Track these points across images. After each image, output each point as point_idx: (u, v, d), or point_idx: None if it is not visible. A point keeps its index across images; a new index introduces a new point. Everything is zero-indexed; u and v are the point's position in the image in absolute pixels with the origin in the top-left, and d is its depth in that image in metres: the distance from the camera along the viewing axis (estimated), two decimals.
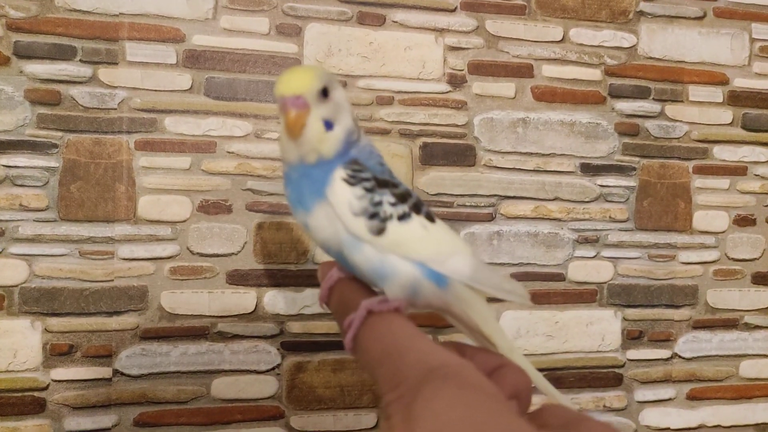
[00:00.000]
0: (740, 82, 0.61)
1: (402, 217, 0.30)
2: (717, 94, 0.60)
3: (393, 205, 0.30)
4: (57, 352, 0.48)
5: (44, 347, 0.48)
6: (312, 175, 0.30)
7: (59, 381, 0.48)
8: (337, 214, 0.29)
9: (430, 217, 0.32)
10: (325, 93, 0.29)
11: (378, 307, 0.28)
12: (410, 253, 0.30)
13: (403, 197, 0.31)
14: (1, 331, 0.47)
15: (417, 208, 0.31)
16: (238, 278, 0.51)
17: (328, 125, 0.30)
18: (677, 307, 0.60)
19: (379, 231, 0.29)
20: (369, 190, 0.29)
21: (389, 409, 0.23)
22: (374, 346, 0.27)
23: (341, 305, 0.31)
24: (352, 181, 0.29)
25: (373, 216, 0.29)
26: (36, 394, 0.48)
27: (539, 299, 0.57)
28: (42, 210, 0.48)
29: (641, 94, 0.59)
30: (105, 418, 0.49)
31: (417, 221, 0.30)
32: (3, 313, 0.48)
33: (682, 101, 0.60)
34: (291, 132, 0.29)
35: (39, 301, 0.48)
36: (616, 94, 0.58)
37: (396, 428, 0.22)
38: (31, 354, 0.48)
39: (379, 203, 0.29)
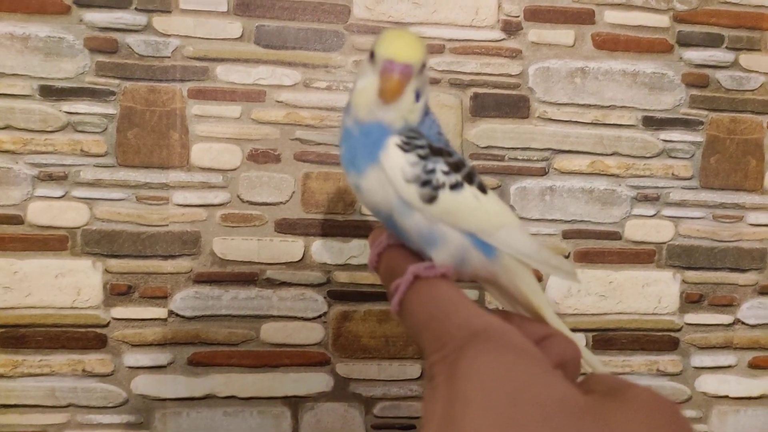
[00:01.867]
0: None
1: (454, 187, 0.29)
2: None
3: (446, 173, 0.29)
4: (116, 292, 0.51)
5: (105, 287, 0.51)
6: (369, 135, 0.30)
7: (119, 319, 0.51)
8: (389, 179, 0.29)
9: (482, 188, 0.31)
10: (423, 66, 0.30)
11: (425, 272, 0.28)
12: (460, 223, 0.29)
13: (456, 166, 0.30)
14: (65, 270, 0.50)
15: (470, 178, 0.31)
16: (286, 227, 0.52)
17: (417, 96, 0.30)
18: (743, 271, 0.57)
19: (431, 199, 0.29)
20: (423, 158, 0.29)
21: (433, 369, 0.24)
22: (420, 309, 0.27)
23: (389, 270, 0.31)
24: (406, 147, 0.29)
25: (425, 183, 0.29)
26: (98, 330, 0.51)
27: (593, 258, 0.55)
28: (101, 156, 0.50)
29: (713, 42, 0.55)
30: (161, 356, 0.52)
31: (469, 191, 0.30)
32: (67, 253, 0.50)
33: (759, 50, 0.55)
34: (388, 96, 0.28)
35: (99, 243, 0.50)
36: (685, 42, 0.55)
37: (439, 387, 0.22)
38: (93, 293, 0.51)
39: (432, 171, 0.29)
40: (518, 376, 0.21)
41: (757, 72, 0.55)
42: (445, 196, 0.29)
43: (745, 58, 0.55)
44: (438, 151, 0.30)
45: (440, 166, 0.29)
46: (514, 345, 0.23)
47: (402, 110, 0.29)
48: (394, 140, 0.29)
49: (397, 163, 0.29)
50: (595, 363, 0.32)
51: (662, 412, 0.20)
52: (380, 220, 0.32)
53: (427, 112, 0.31)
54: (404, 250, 0.32)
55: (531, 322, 0.29)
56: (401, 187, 0.29)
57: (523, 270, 0.31)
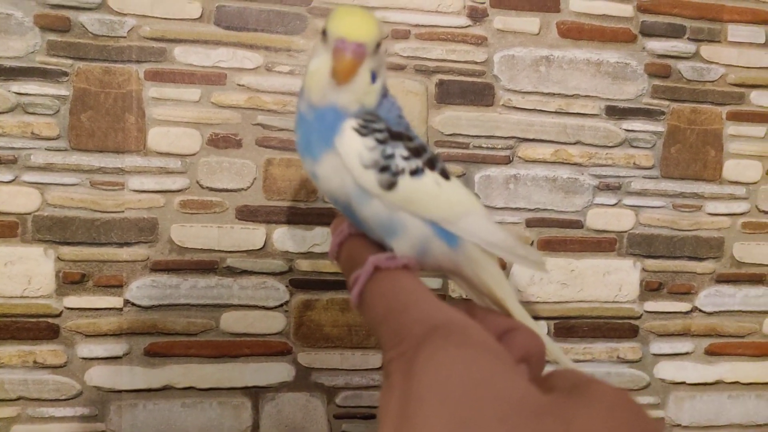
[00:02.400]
0: None
1: (414, 173, 0.29)
2: (759, 34, 0.56)
3: (406, 159, 0.28)
4: (69, 281, 0.49)
5: (57, 275, 0.49)
6: (322, 120, 0.29)
7: (72, 309, 0.49)
8: (346, 165, 0.28)
9: (445, 174, 0.30)
10: (378, 46, 0.29)
11: (385, 263, 0.27)
12: (421, 210, 0.29)
13: (417, 151, 0.29)
14: (15, 258, 0.48)
15: (431, 163, 0.30)
16: (247, 214, 0.51)
17: (373, 77, 0.29)
18: (700, 259, 0.58)
19: (390, 185, 0.28)
20: (381, 142, 0.28)
21: (390, 366, 0.23)
22: (379, 302, 0.26)
23: (349, 261, 0.30)
24: (364, 131, 0.28)
25: (383, 169, 0.28)
26: (50, 320, 0.49)
27: (555, 246, 0.55)
28: (53, 139, 0.48)
29: (675, 32, 0.55)
30: (116, 346, 0.50)
31: (430, 177, 0.29)
32: (17, 240, 0.48)
33: (719, 41, 0.56)
34: (341, 76, 0.27)
35: (51, 230, 0.49)
36: (648, 32, 0.55)
37: (395, 386, 0.22)
38: (45, 281, 0.49)
39: (391, 156, 0.28)
40: (476, 373, 0.20)
41: (717, 63, 0.56)
42: (404, 182, 0.28)
43: (706, 50, 0.56)
44: (398, 135, 0.29)
45: (400, 150, 0.28)
46: (473, 341, 0.22)
47: (357, 92, 0.28)
48: (351, 123, 0.28)
49: (353, 148, 0.28)
50: (560, 356, 0.31)
51: (624, 411, 0.20)
52: (339, 209, 0.31)
53: (385, 94, 0.30)
54: (365, 239, 0.31)
55: (495, 315, 0.29)
56: (358, 173, 0.28)
57: (487, 260, 0.31)
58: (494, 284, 0.31)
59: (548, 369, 0.25)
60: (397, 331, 0.24)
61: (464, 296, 0.54)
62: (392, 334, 0.24)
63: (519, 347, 0.26)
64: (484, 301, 0.33)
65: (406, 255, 0.28)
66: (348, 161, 0.28)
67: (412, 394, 0.20)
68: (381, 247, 0.30)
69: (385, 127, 0.29)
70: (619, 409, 0.20)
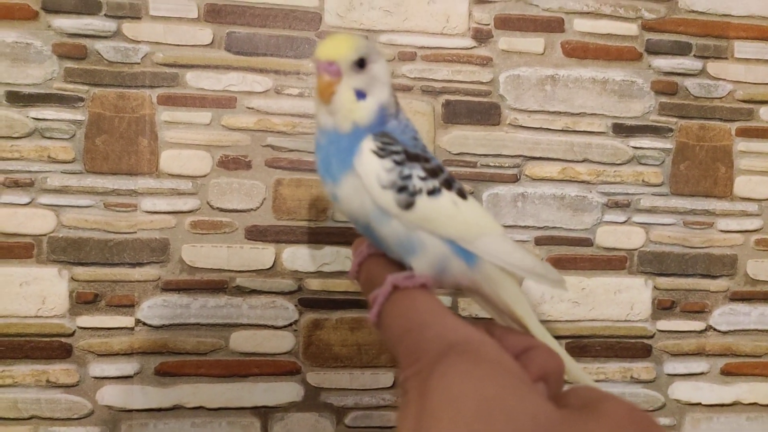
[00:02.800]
0: None
1: (432, 192, 0.29)
2: (766, 50, 0.56)
3: (423, 179, 0.29)
4: (82, 301, 0.50)
5: (70, 295, 0.50)
6: (341, 143, 0.30)
7: (84, 328, 0.50)
8: (365, 186, 0.29)
9: (462, 194, 0.31)
10: (361, 64, 0.30)
11: (404, 282, 0.28)
12: (439, 229, 0.29)
13: (434, 172, 0.30)
14: (30, 278, 0.49)
15: (448, 183, 0.30)
16: (256, 234, 0.52)
17: (360, 95, 0.30)
18: (714, 277, 0.57)
19: (408, 205, 0.29)
20: (398, 163, 0.29)
21: (406, 384, 0.23)
22: (397, 321, 0.27)
23: (369, 280, 0.31)
24: (382, 153, 0.29)
25: (401, 189, 0.29)
26: (63, 339, 0.50)
27: (565, 264, 0.55)
28: (69, 162, 0.50)
29: (681, 50, 0.56)
30: (128, 365, 0.51)
31: (447, 197, 0.30)
32: (32, 260, 0.49)
33: (726, 58, 0.56)
34: (319, 95, 0.29)
35: (66, 251, 0.50)
36: (654, 50, 0.55)
37: (411, 404, 0.22)
38: (59, 301, 0.50)
39: (409, 177, 0.29)
40: (489, 390, 0.20)
41: (724, 80, 0.56)
42: (422, 202, 0.29)
43: (713, 66, 0.56)
44: (415, 156, 0.30)
45: (417, 171, 0.29)
46: (488, 358, 0.22)
47: (341, 110, 0.29)
48: (369, 146, 0.29)
49: (372, 169, 0.28)
50: (580, 374, 0.31)
51: (637, 426, 0.20)
52: (359, 229, 0.31)
53: (394, 115, 0.31)
54: (385, 259, 0.31)
55: (513, 334, 0.29)
56: (377, 193, 0.28)
57: (505, 279, 0.31)
58: (513, 303, 0.31)
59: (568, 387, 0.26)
60: (414, 349, 0.24)
61: (474, 316, 0.54)
62: (409, 352, 0.24)
63: (537, 365, 0.26)
64: (504, 320, 0.33)
65: (424, 274, 0.29)
66: (367, 182, 0.29)
67: (426, 411, 0.21)
68: (400, 267, 0.30)
69: (402, 149, 0.29)
70: (631, 424, 0.20)
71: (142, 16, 0.50)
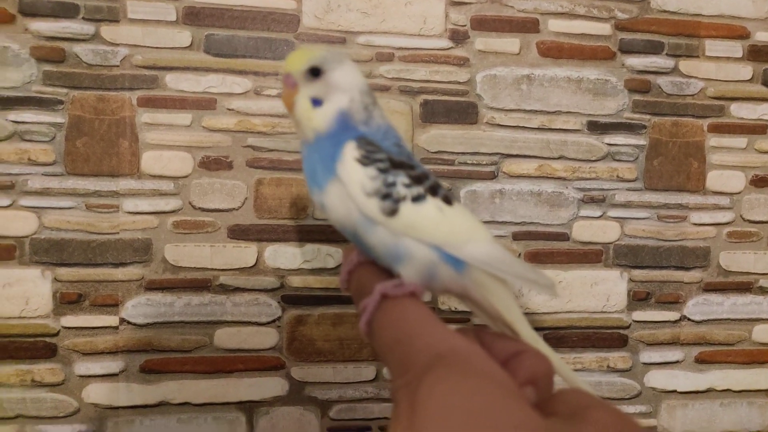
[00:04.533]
0: (762, 36, 0.58)
1: (416, 199, 0.29)
2: (736, 48, 0.58)
3: (407, 186, 0.29)
4: (66, 301, 0.51)
5: (54, 295, 0.50)
6: (321, 150, 0.31)
7: (69, 328, 0.51)
8: (349, 193, 0.29)
9: (448, 200, 0.31)
10: (315, 73, 0.31)
11: (393, 291, 0.28)
12: (424, 235, 0.29)
13: (419, 179, 0.30)
14: (13, 280, 0.50)
15: (433, 190, 0.30)
16: (238, 233, 0.52)
17: (316, 102, 0.31)
18: (687, 269, 0.59)
19: (392, 212, 0.29)
20: (383, 171, 0.29)
21: (397, 395, 0.23)
22: (386, 331, 0.27)
23: (358, 289, 0.31)
24: (365, 161, 0.29)
25: (385, 197, 0.29)
26: (47, 339, 0.50)
27: (542, 258, 0.56)
28: (49, 164, 0.50)
29: (653, 49, 0.57)
30: (113, 364, 0.51)
31: (432, 203, 0.30)
32: (15, 262, 0.50)
33: (697, 56, 0.57)
34: (285, 106, 0.32)
35: (48, 252, 0.50)
36: (627, 49, 0.56)
37: (401, 416, 0.22)
38: (42, 302, 0.50)
39: (393, 184, 0.29)
40: (475, 402, 0.20)
41: (696, 78, 0.57)
42: (406, 208, 0.29)
43: (685, 64, 0.57)
44: (399, 164, 0.30)
45: (401, 179, 0.30)
46: (475, 370, 0.22)
47: (302, 118, 0.31)
48: (353, 154, 0.29)
49: (356, 178, 0.29)
50: (570, 376, 0.31)
51: None
52: (347, 237, 0.32)
53: (359, 121, 0.31)
54: (374, 267, 0.32)
55: (502, 339, 0.29)
56: (361, 201, 0.29)
57: (495, 284, 0.31)
58: (503, 307, 0.31)
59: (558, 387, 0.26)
60: (404, 360, 0.24)
61: (453, 309, 0.55)
62: (399, 363, 0.24)
63: (526, 370, 0.26)
64: (495, 324, 0.33)
65: (413, 282, 0.29)
66: (351, 190, 0.29)
67: (415, 425, 0.21)
68: (390, 274, 0.31)
69: (386, 157, 0.30)
70: None
71: (120, 19, 0.50)
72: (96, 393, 0.51)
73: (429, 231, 0.29)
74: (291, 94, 0.31)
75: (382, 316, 0.27)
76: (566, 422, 0.21)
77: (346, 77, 0.31)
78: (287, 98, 0.31)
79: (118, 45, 0.50)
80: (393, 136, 0.32)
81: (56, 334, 0.51)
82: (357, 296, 0.31)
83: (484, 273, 0.30)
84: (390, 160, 0.30)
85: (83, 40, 0.50)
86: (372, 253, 0.31)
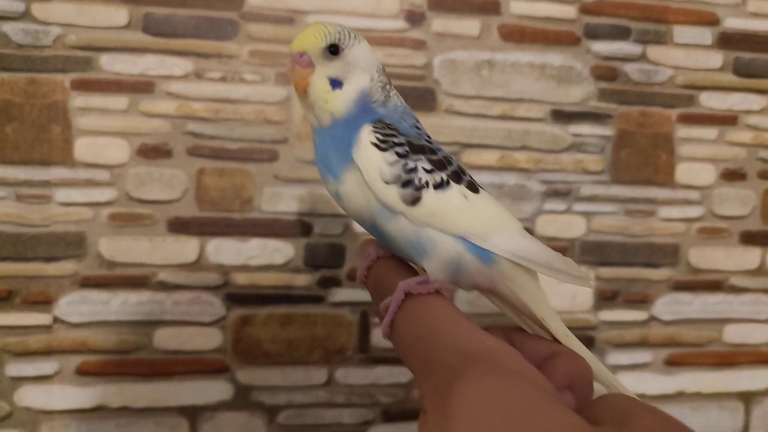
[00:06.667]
0: (732, 23, 0.56)
1: (438, 186, 0.27)
2: (705, 35, 0.55)
3: (429, 172, 0.27)
4: None
5: None
6: (336, 136, 0.28)
7: None
8: (367, 181, 0.27)
9: (473, 187, 0.29)
10: (333, 51, 0.28)
11: (417, 288, 0.26)
12: (448, 225, 0.27)
13: (441, 164, 0.28)
14: None
15: (457, 176, 0.28)
16: (179, 226, 0.49)
17: (335, 83, 0.28)
18: (656, 266, 0.56)
19: (414, 200, 0.27)
20: (402, 155, 0.27)
21: (424, 402, 0.22)
22: (410, 330, 0.25)
23: (379, 287, 0.29)
24: (384, 146, 0.27)
25: (406, 184, 0.27)
26: None
27: None
28: None
29: (620, 34, 0.54)
30: (46, 365, 0.49)
31: (456, 190, 0.28)
32: None
33: (665, 43, 0.55)
34: (296, 89, 0.29)
35: None
36: (592, 34, 0.54)
37: (431, 423, 0.21)
38: None
39: (414, 170, 0.27)
40: (514, 407, 0.19)
41: (664, 65, 0.55)
42: (429, 196, 0.27)
43: (653, 51, 0.55)
44: (419, 148, 0.28)
45: (422, 164, 0.28)
46: (510, 371, 0.21)
47: (318, 101, 0.28)
48: (369, 138, 0.27)
49: (374, 164, 0.27)
50: (611, 379, 0.29)
51: None
52: (366, 229, 0.30)
53: (381, 101, 0.29)
54: (395, 262, 0.30)
55: (535, 339, 0.27)
56: (380, 189, 0.27)
57: (524, 277, 0.28)
58: (533, 303, 0.28)
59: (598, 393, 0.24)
60: (428, 359, 0.23)
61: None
62: (422, 363, 0.23)
63: (563, 373, 0.24)
64: (523, 321, 0.31)
65: (438, 278, 0.27)
66: (369, 177, 0.27)
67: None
68: (411, 268, 0.29)
69: (405, 141, 0.28)
70: None
71: None
72: (29, 396, 0.48)
73: (454, 221, 0.27)
74: (305, 75, 0.28)
75: (405, 315, 0.26)
76: (614, 429, 0.19)
77: (364, 54, 0.29)
78: (302, 80, 0.28)
79: (50, 24, 0.47)
80: (410, 117, 0.30)
81: None
82: (376, 293, 0.29)
83: (513, 265, 0.28)
84: (409, 143, 0.28)
85: (12, 19, 0.47)
86: (392, 246, 0.29)
